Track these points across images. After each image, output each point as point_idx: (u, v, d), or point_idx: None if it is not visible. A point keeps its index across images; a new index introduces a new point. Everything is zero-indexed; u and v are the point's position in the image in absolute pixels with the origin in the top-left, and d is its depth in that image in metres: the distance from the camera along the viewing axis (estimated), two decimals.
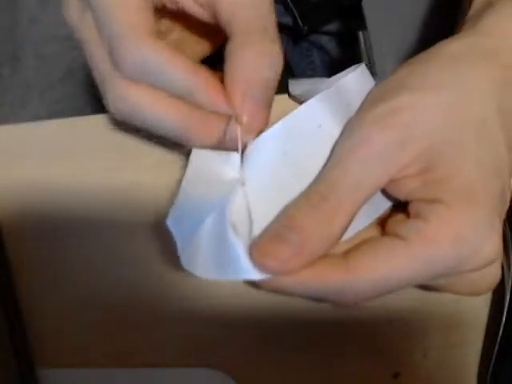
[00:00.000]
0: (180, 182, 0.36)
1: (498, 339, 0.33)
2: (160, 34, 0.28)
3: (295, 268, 0.24)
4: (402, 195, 0.26)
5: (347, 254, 0.25)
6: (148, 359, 0.35)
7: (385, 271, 0.24)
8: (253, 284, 0.25)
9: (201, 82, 0.26)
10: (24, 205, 0.36)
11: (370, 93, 0.27)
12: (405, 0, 0.47)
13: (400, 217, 0.26)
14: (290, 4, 0.55)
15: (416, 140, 0.24)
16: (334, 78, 0.29)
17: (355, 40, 0.51)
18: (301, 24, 0.56)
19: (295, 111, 0.27)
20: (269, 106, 0.27)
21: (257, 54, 0.26)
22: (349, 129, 0.26)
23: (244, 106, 0.26)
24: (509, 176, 0.26)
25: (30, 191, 0.36)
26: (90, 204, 0.36)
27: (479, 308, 0.35)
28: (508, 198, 0.26)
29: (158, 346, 0.35)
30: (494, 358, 0.33)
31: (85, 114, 0.37)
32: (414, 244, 0.24)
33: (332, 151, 0.26)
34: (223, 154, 0.28)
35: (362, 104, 0.27)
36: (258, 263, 0.24)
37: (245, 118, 0.26)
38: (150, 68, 0.26)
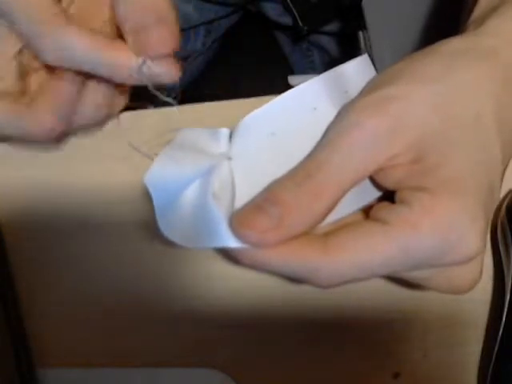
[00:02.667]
0: None
1: (498, 339, 0.33)
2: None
3: (273, 241, 0.24)
4: (390, 184, 0.26)
5: (327, 234, 0.25)
6: (148, 359, 0.35)
7: (362, 253, 0.24)
8: (234, 259, 0.25)
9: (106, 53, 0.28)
10: (24, 205, 0.36)
11: (368, 82, 0.27)
12: (405, 0, 0.47)
13: (385, 204, 0.26)
14: (290, 4, 0.55)
15: (407, 130, 0.24)
16: (334, 68, 0.29)
17: (355, 40, 0.51)
18: (301, 24, 0.56)
19: (290, 91, 0.27)
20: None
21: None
22: (342, 113, 0.26)
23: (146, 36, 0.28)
24: (499, 176, 0.26)
25: (30, 191, 0.36)
26: (90, 204, 0.36)
27: (479, 308, 0.35)
28: (497, 198, 0.26)
29: (158, 346, 0.35)
30: (493, 358, 0.33)
31: None
32: (395, 228, 0.24)
33: (323, 134, 0.26)
34: (211, 130, 0.28)
35: (360, 92, 0.27)
36: (236, 232, 0.24)
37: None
38: (70, 53, 0.28)
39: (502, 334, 0.33)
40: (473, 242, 0.24)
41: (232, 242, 0.24)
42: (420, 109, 0.24)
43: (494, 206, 0.26)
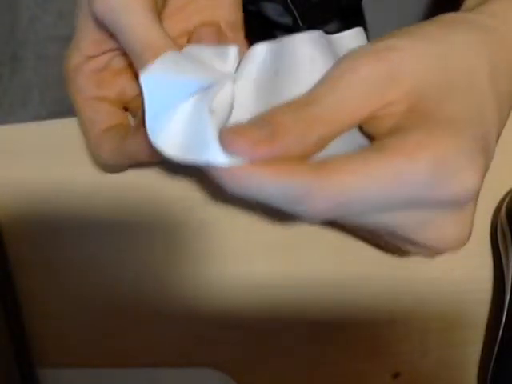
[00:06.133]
0: (181, 183, 0.36)
1: (498, 339, 0.33)
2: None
3: (263, 154, 0.23)
4: (383, 131, 0.26)
5: (319, 161, 0.24)
6: (148, 359, 0.35)
7: (357, 175, 0.23)
8: (221, 184, 0.23)
9: None
10: (24, 205, 0.36)
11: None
12: (405, 0, 0.47)
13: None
14: (290, 4, 0.55)
15: (403, 78, 0.25)
16: (329, 35, 0.30)
17: None
18: (301, 24, 0.56)
19: (291, 37, 0.27)
20: None
21: None
22: (339, 60, 0.26)
23: None
24: (495, 134, 0.26)
25: (30, 191, 0.36)
26: (90, 204, 0.36)
27: (479, 308, 0.35)
28: (492, 155, 0.26)
29: (158, 346, 0.35)
30: (494, 357, 0.33)
31: None
32: (390, 155, 0.24)
33: (321, 77, 0.26)
34: (220, 47, 0.28)
35: None
36: (225, 140, 0.23)
37: None
38: None
39: (502, 334, 0.33)
40: (469, 178, 0.24)
41: (220, 158, 0.23)
42: (417, 60, 0.25)
43: (489, 164, 0.26)
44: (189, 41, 0.32)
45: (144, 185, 0.36)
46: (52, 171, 0.36)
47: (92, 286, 0.36)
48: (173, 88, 0.25)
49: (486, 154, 0.25)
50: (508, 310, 0.33)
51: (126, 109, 0.34)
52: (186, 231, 0.36)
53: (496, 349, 0.33)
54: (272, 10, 0.61)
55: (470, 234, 0.27)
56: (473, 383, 0.35)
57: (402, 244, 0.28)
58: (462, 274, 0.35)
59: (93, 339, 0.35)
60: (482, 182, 0.25)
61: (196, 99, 0.25)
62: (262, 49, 0.27)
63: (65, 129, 0.37)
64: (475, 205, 0.26)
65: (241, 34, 0.34)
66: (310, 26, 0.56)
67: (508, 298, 0.33)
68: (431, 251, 0.28)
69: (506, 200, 0.35)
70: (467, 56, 0.26)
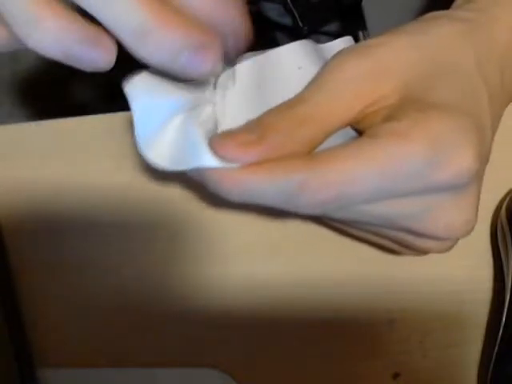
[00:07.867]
0: (181, 183, 0.36)
1: (498, 339, 0.33)
2: None
3: (253, 155, 0.23)
4: (378, 121, 0.25)
5: (312, 154, 0.24)
6: (148, 359, 0.35)
7: (351, 161, 0.23)
8: (216, 188, 0.23)
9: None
10: (24, 205, 0.36)
11: None
12: (405, 0, 0.47)
13: None
14: (290, 4, 0.55)
15: (391, 73, 0.25)
16: (319, 45, 0.30)
17: (355, 40, 0.51)
18: (301, 24, 0.56)
19: (277, 48, 0.28)
20: None
21: None
22: (326, 63, 0.26)
23: None
24: (489, 121, 0.26)
25: (29, 191, 0.36)
26: (90, 204, 0.36)
27: (479, 308, 0.35)
28: (489, 145, 0.25)
29: (158, 346, 0.35)
30: (494, 358, 0.33)
31: (85, 114, 0.38)
32: (383, 139, 0.23)
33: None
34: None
35: None
36: (216, 145, 0.23)
37: None
38: None
39: (502, 334, 0.33)
40: (466, 155, 0.24)
41: (212, 162, 0.23)
42: (402, 53, 0.25)
43: (487, 151, 0.25)
44: None
45: (144, 185, 0.36)
46: (51, 171, 0.36)
47: (92, 286, 0.36)
48: (160, 104, 0.25)
49: (482, 137, 0.25)
50: (508, 309, 0.33)
51: None
52: (187, 231, 0.36)
53: (496, 349, 0.33)
54: (272, 10, 0.61)
55: (476, 218, 0.26)
56: (473, 383, 0.35)
57: (410, 240, 0.27)
58: (462, 274, 0.35)
59: (93, 339, 0.35)
60: (481, 162, 0.24)
61: (182, 116, 0.26)
62: (240, 69, 0.27)
63: (64, 129, 0.37)
64: (479, 188, 0.26)
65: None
66: (310, 26, 0.56)
67: (508, 297, 0.33)
68: (441, 243, 0.27)
69: (506, 200, 0.35)
70: (451, 46, 0.26)
